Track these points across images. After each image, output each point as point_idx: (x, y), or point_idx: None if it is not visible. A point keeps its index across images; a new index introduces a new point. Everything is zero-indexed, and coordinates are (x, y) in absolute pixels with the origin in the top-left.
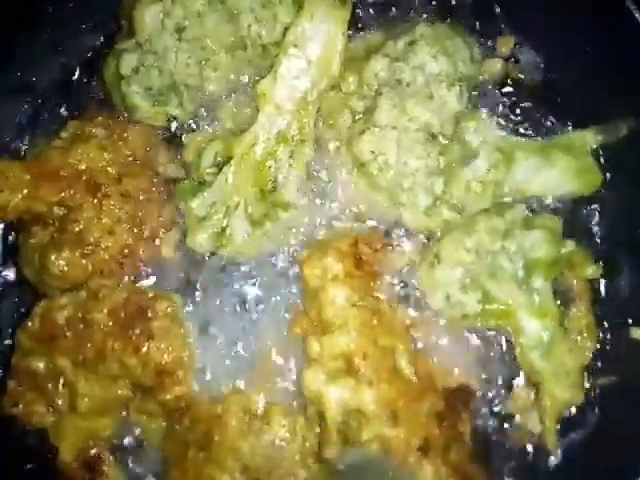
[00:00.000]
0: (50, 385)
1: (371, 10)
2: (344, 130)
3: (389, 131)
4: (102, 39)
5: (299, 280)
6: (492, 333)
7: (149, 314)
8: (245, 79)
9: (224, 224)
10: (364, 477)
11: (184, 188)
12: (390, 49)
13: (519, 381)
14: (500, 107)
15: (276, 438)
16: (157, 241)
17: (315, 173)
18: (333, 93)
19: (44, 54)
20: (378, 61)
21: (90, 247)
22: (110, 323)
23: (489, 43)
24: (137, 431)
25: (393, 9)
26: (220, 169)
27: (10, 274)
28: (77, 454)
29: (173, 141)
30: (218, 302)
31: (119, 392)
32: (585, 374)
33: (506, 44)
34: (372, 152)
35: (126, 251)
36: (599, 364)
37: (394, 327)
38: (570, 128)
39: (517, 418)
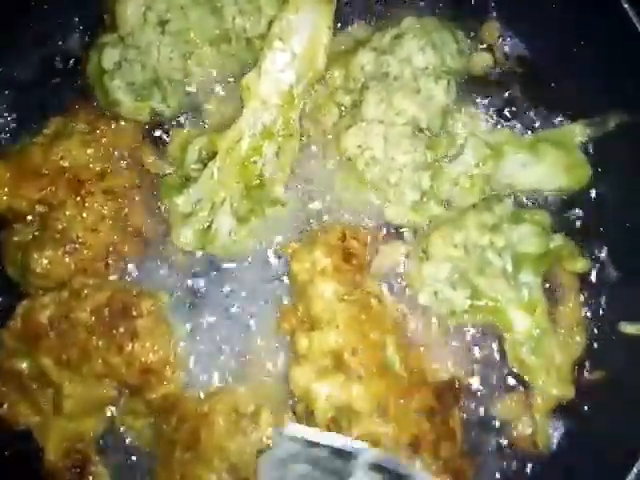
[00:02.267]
0: (35, 385)
1: (357, 2)
2: (330, 125)
3: (376, 125)
4: (85, 33)
5: (287, 275)
6: (482, 328)
7: (133, 312)
8: (230, 73)
9: (209, 221)
10: None
11: (168, 184)
12: (377, 42)
13: (508, 379)
14: (489, 101)
15: (264, 437)
16: (141, 238)
17: (301, 168)
18: (319, 87)
19: (26, 48)
20: (365, 54)
21: (73, 245)
22: (94, 322)
23: (477, 36)
24: (124, 431)
25: (380, 1)
26: (205, 165)
27: None
28: (63, 455)
29: (157, 136)
30: (204, 299)
31: (104, 392)
32: (575, 369)
33: (490, 30)
34: (359, 147)
35: (110, 249)
36: (589, 359)
37: (383, 321)
38: (559, 122)
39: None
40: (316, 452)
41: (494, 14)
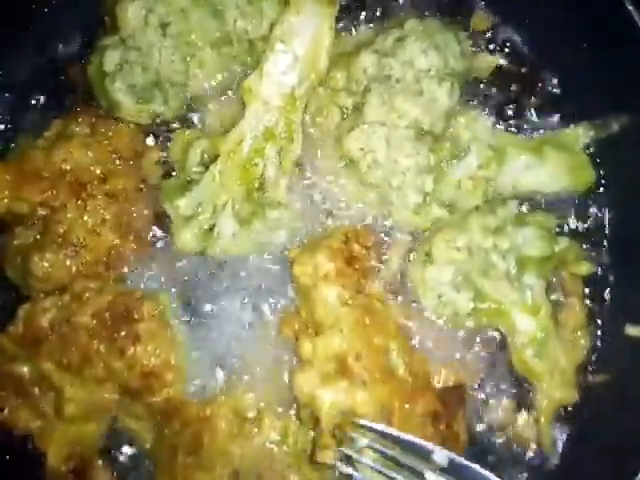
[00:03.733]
0: (35, 390)
1: (359, 4)
2: (333, 127)
3: (378, 128)
4: (85, 36)
5: (289, 280)
6: (486, 331)
7: (135, 316)
8: (231, 75)
9: (211, 223)
10: None
11: (170, 187)
12: (379, 44)
13: (512, 382)
14: (492, 103)
15: (267, 441)
16: (143, 241)
17: (303, 171)
18: (321, 90)
19: (26, 51)
20: (367, 57)
21: (74, 248)
22: (95, 326)
23: (480, 37)
24: (126, 435)
25: (382, 3)
26: (207, 167)
27: None
28: (65, 459)
29: (158, 139)
30: (207, 303)
31: (106, 396)
32: (579, 372)
33: (479, 19)
34: (361, 149)
35: (112, 252)
36: (593, 362)
37: (387, 326)
38: (563, 124)
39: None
40: (387, 447)
41: (498, 17)
